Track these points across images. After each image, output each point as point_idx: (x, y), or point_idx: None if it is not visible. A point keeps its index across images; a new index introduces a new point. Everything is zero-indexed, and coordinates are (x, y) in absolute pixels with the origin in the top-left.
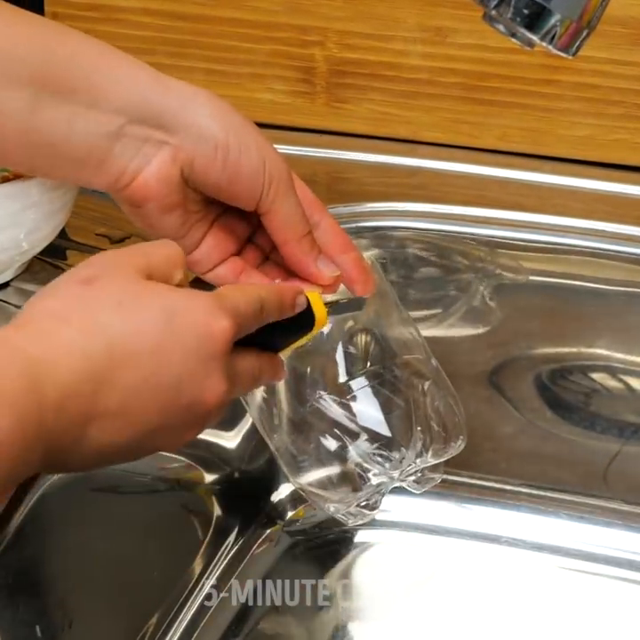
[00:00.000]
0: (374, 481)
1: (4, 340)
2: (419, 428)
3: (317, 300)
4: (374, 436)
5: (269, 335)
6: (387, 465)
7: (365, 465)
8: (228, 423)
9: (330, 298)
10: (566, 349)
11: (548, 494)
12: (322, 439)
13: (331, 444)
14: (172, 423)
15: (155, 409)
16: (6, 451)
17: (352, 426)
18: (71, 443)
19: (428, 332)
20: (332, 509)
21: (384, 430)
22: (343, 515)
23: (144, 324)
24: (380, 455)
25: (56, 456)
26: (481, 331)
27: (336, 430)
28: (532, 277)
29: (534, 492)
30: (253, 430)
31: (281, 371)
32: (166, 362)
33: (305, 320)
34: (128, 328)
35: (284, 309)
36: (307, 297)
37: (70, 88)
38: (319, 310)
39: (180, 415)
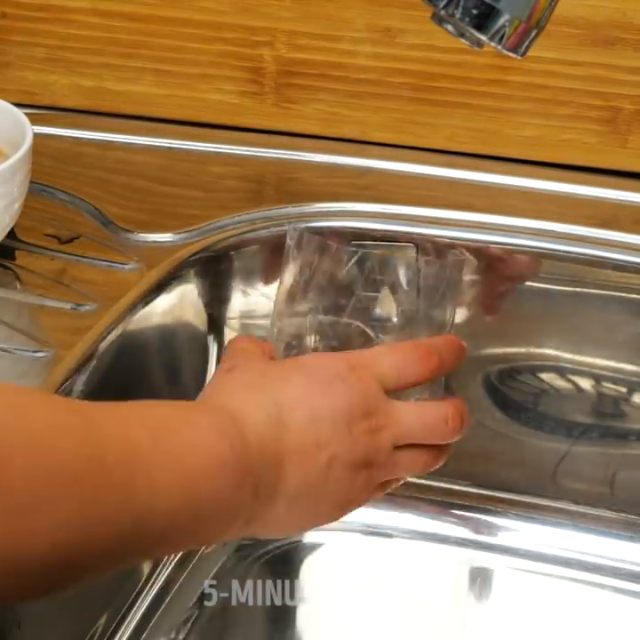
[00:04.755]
0: None
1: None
2: None
3: None
4: None
5: None
6: None
7: None
8: None
9: None
10: (515, 349)
11: (497, 494)
12: None
13: None
14: (348, 448)
15: (326, 439)
16: (226, 474)
17: None
18: (273, 484)
19: None
20: None
21: None
22: None
23: (289, 375)
24: None
25: (261, 505)
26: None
27: None
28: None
29: (483, 492)
30: None
31: None
32: (318, 397)
33: None
34: (279, 381)
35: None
36: None
37: None
38: None
39: (351, 439)
